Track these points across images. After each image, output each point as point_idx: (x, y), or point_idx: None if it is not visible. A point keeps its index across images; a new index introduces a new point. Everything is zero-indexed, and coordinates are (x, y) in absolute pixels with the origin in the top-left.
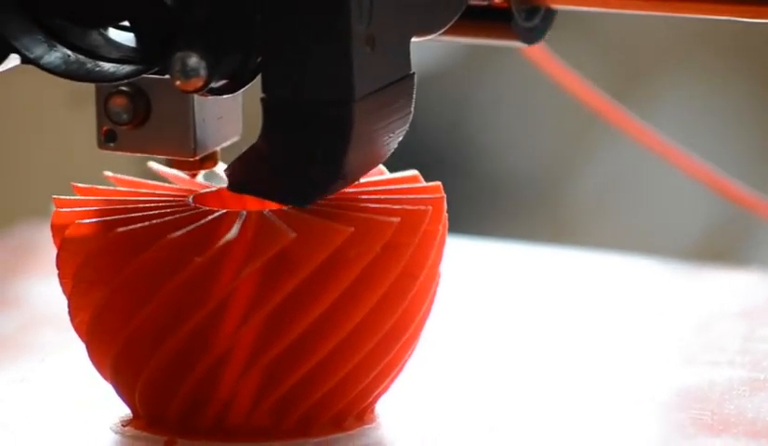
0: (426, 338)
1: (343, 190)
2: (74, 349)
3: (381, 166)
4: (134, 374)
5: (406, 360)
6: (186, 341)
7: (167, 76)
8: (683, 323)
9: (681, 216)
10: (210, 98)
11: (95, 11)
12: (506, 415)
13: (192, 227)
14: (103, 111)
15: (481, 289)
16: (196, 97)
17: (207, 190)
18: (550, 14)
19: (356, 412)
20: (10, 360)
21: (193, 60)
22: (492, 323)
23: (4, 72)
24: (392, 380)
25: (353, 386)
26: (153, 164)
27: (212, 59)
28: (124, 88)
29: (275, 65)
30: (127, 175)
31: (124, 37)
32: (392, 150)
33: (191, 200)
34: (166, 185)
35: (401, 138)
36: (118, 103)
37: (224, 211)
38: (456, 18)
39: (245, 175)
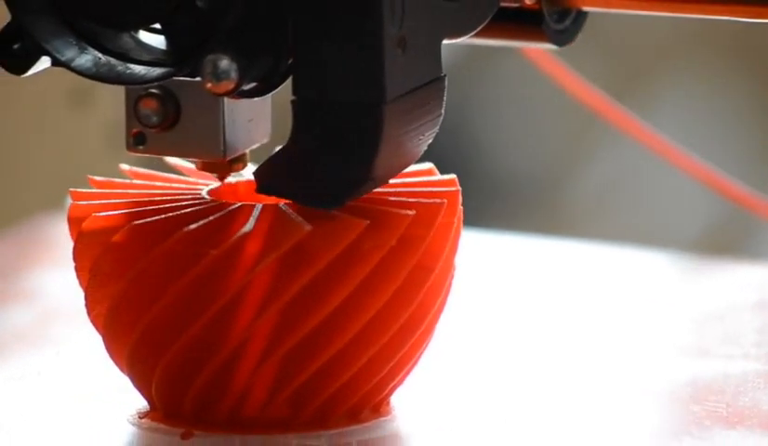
0: (440, 331)
1: None
2: (90, 342)
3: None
4: (150, 366)
5: (422, 353)
6: (202, 333)
7: (198, 79)
8: (698, 316)
9: (681, 215)
10: (240, 100)
11: (126, 14)
12: (520, 407)
13: (208, 220)
14: (133, 114)
15: (495, 283)
16: (226, 99)
17: (223, 183)
18: (581, 16)
19: (372, 404)
20: (26, 352)
21: (225, 63)
22: (506, 316)
23: (36, 74)
24: (408, 372)
25: (369, 379)
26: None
27: (243, 62)
28: (153, 91)
29: (306, 67)
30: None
31: (154, 40)
32: (422, 153)
33: (206, 193)
34: (182, 178)
35: (430, 141)
36: (148, 106)
37: (240, 204)
38: (487, 20)
39: (275, 177)
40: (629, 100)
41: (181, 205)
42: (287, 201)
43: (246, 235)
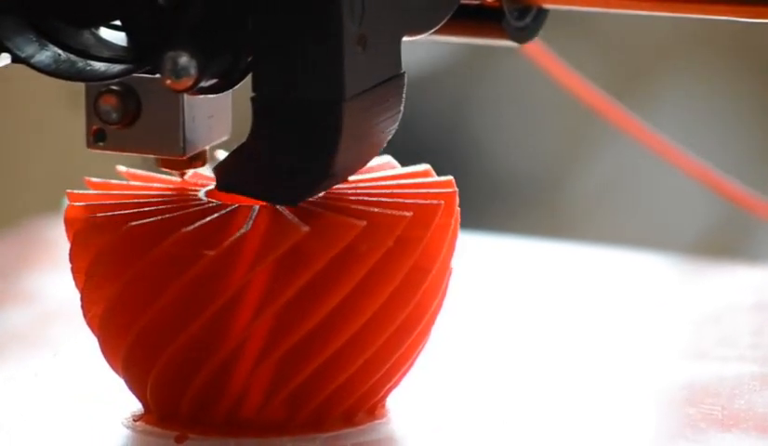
0: (437, 333)
1: (356, 185)
2: (87, 344)
3: (393, 161)
4: (146, 369)
5: (418, 355)
6: (198, 335)
7: (158, 75)
8: (694, 318)
9: (680, 216)
10: (200, 97)
11: (87, 11)
12: (516, 409)
13: (205, 221)
14: (93, 111)
15: (491, 284)
16: (186, 96)
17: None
18: (542, 13)
19: (367, 406)
20: (23, 354)
21: (184, 60)
22: (503, 318)
23: None
24: (403, 375)
25: (365, 381)
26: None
27: (202, 59)
28: (114, 87)
29: (266, 64)
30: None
31: (115, 37)
32: (382, 148)
33: (203, 194)
34: (179, 179)
35: (390, 137)
36: (108, 102)
37: (237, 205)
38: (447, 17)
39: (234, 174)
40: (629, 100)
41: (178, 207)
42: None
43: (243, 237)
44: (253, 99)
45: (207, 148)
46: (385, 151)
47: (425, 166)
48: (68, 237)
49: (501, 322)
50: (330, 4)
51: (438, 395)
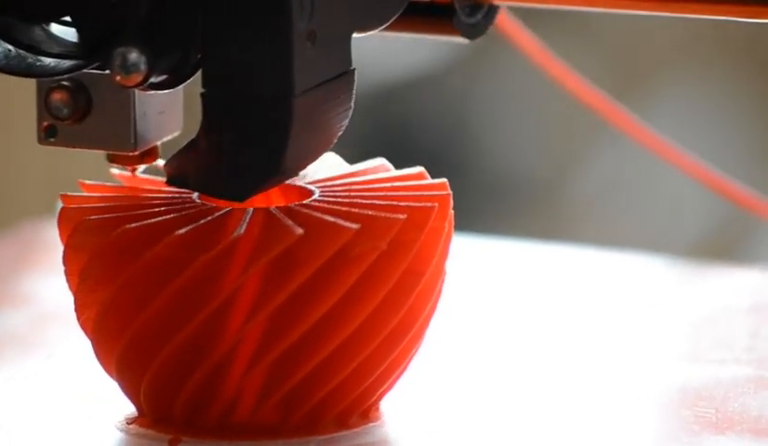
0: (431, 336)
1: (349, 187)
2: (81, 347)
3: (387, 163)
4: (139, 372)
5: (411, 358)
6: (191, 339)
7: (108, 71)
8: (689, 321)
9: (681, 216)
10: (151, 92)
11: (37, 6)
12: (511, 412)
13: (199, 224)
14: (44, 107)
15: (485, 287)
16: (137, 91)
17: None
18: (493, 10)
19: (361, 409)
20: (17, 356)
21: (133, 55)
22: (497, 321)
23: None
24: (397, 378)
25: (358, 384)
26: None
27: (152, 55)
28: (64, 83)
29: (215, 60)
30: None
31: (65, 32)
32: (332, 145)
33: (196, 197)
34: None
35: (341, 133)
36: (58, 98)
37: (230, 208)
38: (398, 13)
39: (185, 169)
40: (629, 100)
41: (172, 209)
42: (277, 204)
43: (237, 239)
44: (203, 95)
45: (159, 143)
46: (383, 152)
47: (419, 169)
48: (61, 240)
49: (497, 325)
50: (279, 0)
51: (432, 398)
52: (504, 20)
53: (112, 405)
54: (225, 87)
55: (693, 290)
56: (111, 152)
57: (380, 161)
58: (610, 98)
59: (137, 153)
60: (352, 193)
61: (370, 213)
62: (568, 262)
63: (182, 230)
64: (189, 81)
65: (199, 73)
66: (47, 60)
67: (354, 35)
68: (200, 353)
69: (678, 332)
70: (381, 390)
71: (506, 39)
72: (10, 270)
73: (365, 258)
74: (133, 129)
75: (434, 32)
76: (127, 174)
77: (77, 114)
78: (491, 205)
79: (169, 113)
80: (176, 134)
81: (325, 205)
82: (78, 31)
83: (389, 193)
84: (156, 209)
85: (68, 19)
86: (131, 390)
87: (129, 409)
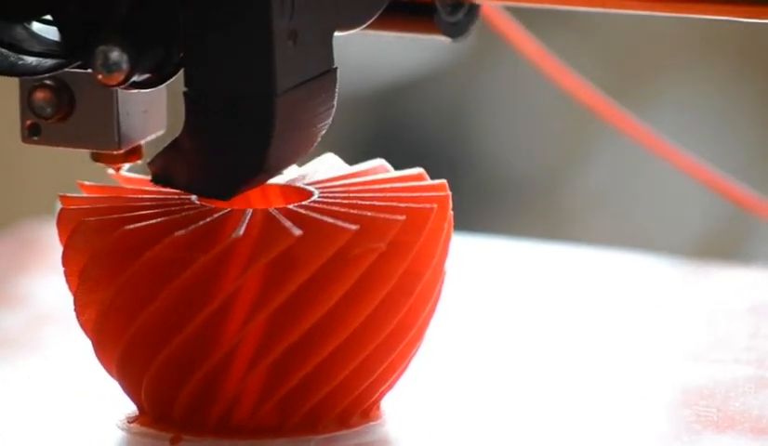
0: (431, 336)
1: (348, 188)
2: (80, 346)
3: (386, 164)
4: (140, 372)
5: (412, 358)
6: (192, 339)
7: (90, 70)
8: (690, 320)
9: (680, 216)
10: (134, 91)
11: (18, 5)
12: (511, 412)
13: (198, 225)
14: (27, 105)
15: (485, 286)
16: (120, 90)
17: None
18: (474, 8)
19: (361, 409)
20: (16, 357)
21: (115, 54)
22: (497, 320)
23: None
24: (398, 377)
25: (358, 384)
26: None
27: (134, 53)
28: (47, 82)
29: (197, 59)
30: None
31: (47, 31)
32: (316, 143)
33: (196, 198)
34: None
35: (324, 132)
36: (42, 97)
37: (229, 209)
38: (379, 12)
39: (169, 168)
40: (629, 100)
41: (171, 210)
42: (276, 205)
43: (236, 240)
44: (185, 94)
45: (143, 142)
46: (383, 152)
47: (418, 170)
48: (61, 241)
49: (497, 325)
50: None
51: (433, 397)
52: (503, 21)
53: (112, 404)
54: (207, 86)
55: (693, 290)
56: (95, 151)
57: (380, 162)
58: (609, 99)
59: (121, 152)
60: (352, 194)
61: (369, 214)
62: (567, 262)
63: (182, 231)
64: (172, 80)
65: (182, 72)
66: (30, 59)
67: (336, 34)
68: (200, 353)
69: (678, 331)
70: (382, 390)
71: (505, 40)
72: (7, 271)
73: (365, 259)
74: (117, 128)
75: (416, 30)
76: (125, 175)
77: (61, 113)
78: (491, 205)
79: (153, 112)
80: (160, 133)
81: (325, 206)
82: (60, 29)
83: (388, 194)
84: (155, 210)
85: (49, 17)
86: (132, 389)
87: (130, 408)
